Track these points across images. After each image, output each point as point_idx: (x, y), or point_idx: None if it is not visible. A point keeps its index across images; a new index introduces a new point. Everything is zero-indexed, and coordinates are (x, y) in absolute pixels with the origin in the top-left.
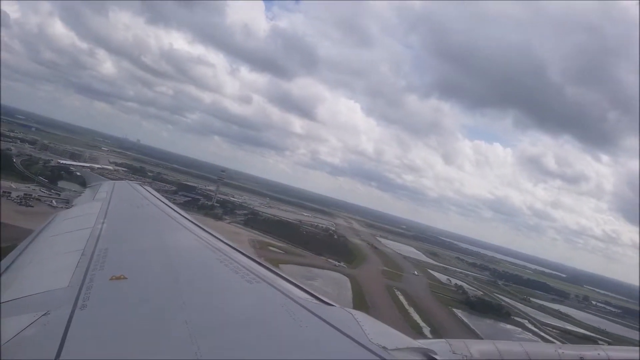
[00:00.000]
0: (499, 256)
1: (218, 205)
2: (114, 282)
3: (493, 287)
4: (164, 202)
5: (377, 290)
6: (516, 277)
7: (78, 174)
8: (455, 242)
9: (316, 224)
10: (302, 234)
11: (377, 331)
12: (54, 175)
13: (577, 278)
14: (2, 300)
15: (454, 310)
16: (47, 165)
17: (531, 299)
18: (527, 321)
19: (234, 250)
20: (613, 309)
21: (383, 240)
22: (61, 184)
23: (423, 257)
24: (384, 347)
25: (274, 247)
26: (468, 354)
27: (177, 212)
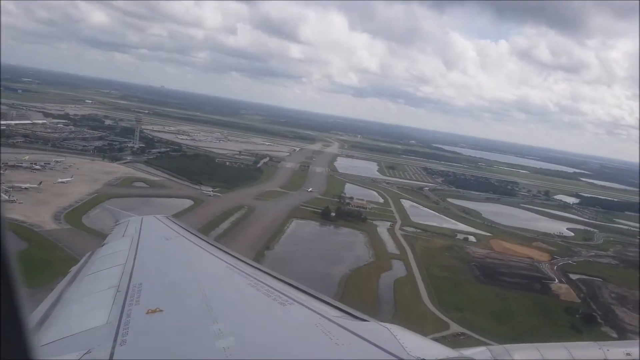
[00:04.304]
0: (509, 159)
1: (137, 146)
2: (150, 316)
3: (410, 194)
4: (191, 232)
5: (218, 210)
6: (475, 181)
7: None
8: (459, 151)
9: (260, 152)
10: (211, 166)
11: (415, 344)
12: None
13: (591, 173)
14: (45, 342)
15: (297, 220)
16: None
17: (449, 200)
18: (389, 222)
19: (264, 274)
20: (566, 202)
21: (342, 160)
22: None
23: (370, 173)
24: None
25: (144, 181)
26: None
27: (205, 241)
